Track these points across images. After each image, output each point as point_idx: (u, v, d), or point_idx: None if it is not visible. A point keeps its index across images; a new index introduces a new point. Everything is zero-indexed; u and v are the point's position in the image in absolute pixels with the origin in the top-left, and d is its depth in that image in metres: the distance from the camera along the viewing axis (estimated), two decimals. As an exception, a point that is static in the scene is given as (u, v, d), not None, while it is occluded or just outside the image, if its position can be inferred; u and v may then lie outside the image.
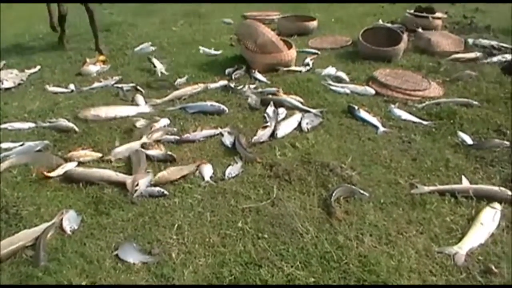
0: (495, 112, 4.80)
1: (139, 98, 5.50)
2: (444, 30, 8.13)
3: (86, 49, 7.92)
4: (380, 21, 9.03)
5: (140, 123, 4.73)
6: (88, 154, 4.20)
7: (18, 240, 3.16)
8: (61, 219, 3.36)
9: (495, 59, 6.51)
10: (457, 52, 6.75)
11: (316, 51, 7.28)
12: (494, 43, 7.22)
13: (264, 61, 6.30)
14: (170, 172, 3.88)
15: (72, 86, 6.12)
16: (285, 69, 6.28)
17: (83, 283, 2.81)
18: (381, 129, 4.54)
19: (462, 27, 8.66)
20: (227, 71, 6.28)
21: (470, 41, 7.29)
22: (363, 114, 4.76)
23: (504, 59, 6.47)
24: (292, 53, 6.41)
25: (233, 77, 6.13)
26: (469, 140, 4.25)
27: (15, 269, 2.96)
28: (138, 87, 5.92)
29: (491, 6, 10.03)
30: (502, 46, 7.09)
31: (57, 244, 3.15)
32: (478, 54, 6.67)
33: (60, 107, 5.43)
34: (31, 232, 3.24)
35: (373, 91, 5.45)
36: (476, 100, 5.06)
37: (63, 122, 4.88)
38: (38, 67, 7.05)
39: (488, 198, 3.43)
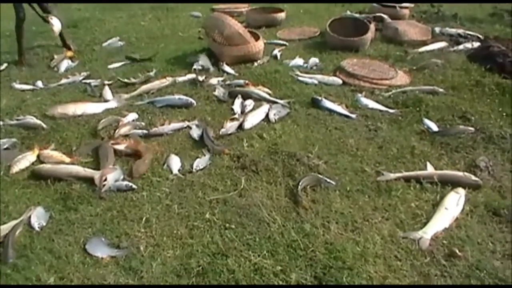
0: (460, 99, 4.86)
1: (107, 92, 5.48)
2: (411, 19, 8.18)
3: (54, 46, 7.83)
4: (348, 12, 9.06)
5: (103, 124, 4.68)
6: (56, 156, 4.15)
7: (-14, 238, 3.14)
8: (29, 216, 3.35)
9: (461, 47, 6.56)
10: (425, 41, 6.81)
11: (284, 42, 7.29)
12: (460, 31, 7.28)
13: (231, 53, 6.29)
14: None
15: (39, 83, 6.06)
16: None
17: (52, 279, 2.80)
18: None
19: (430, 16, 8.71)
20: (194, 66, 6.24)
21: (437, 29, 7.34)
22: (328, 104, 4.79)
23: (470, 47, 6.53)
24: (259, 45, 6.40)
25: (196, 69, 6.15)
26: (434, 127, 4.31)
27: (-16, 267, 2.95)
28: (105, 82, 5.89)
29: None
30: (469, 34, 7.14)
31: (25, 241, 3.15)
32: (444, 44, 6.74)
33: (27, 104, 5.38)
34: (-1, 229, 3.22)
35: (340, 81, 5.48)
36: (442, 87, 5.12)
37: (31, 120, 4.83)
38: (5, 64, 6.96)
39: (453, 184, 3.49)
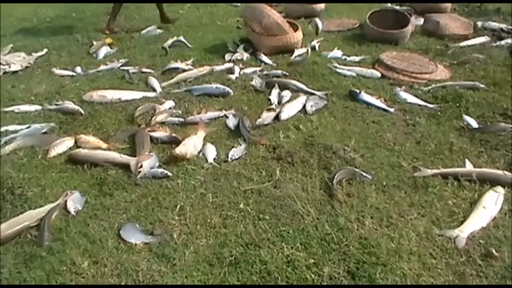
0: (501, 95, 4.76)
1: (153, 81, 5.50)
2: (453, 13, 8.05)
3: (93, 32, 7.90)
4: (388, 4, 8.95)
5: (141, 111, 4.71)
6: (93, 142, 4.19)
7: (23, 220, 3.20)
8: (66, 200, 3.39)
9: (503, 42, 6.43)
10: (466, 36, 6.69)
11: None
12: (503, 26, 7.14)
13: (269, 44, 6.28)
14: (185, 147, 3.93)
15: (78, 69, 6.14)
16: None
17: (86, 263, 2.83)
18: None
19: (472, 10, 8.54)
20: (226, 56, 6.29)
21: (479, 24, 7.21)
22: (366, 97, 4.74)
23: (513, 42, 6.41)
24: (298, 36, 6.37)
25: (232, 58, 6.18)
26: (474, 124, 4.22)
27: (20, 249, 3.01)
28: (148, 70, 5.96)
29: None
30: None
31: (61, 225, 3.19)
32: (487, 39, 6.60)
33: (66, 90, 5.45)
34: (35, 212, 3.28)
35: (379, 74, 5.42)
36: (483, 83, 5.01)
37: (69, 105, 4.90)
38: (45, 50, 7.07)
39: (492, 182, 3.42)
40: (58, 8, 9.99)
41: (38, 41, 7.66)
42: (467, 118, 4.29)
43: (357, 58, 6.00)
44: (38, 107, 4.97)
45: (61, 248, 2.96)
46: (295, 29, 6.47)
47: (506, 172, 3.52)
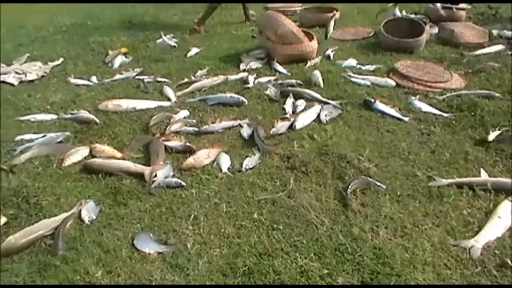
0: (517, 104, 4.74)
1: (168, 91, 5.53)
2: (468, 21, 8.02)
3: (109, 41, 7.96)
4: (397, 10, 8.92)
5: (155, 120, 4.74)
6: (108, 151, 4.22)
7: (37, 229, 3.23)
8: (80, 209, 3.42)
9: (519, 50, 6.41)
10: (481, 44, 6.66)
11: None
12: (519, 34, 7.12)
13: (285, 52, 6.28)
14: (197, 158, 3.95)
15: (94, 78, 6.19)
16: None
17: (99, 272, 2.85)
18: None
19: (487, 18, 8.51)
20: (241, 66, 6.30)
21: (495, 32, 7.18)
22: (380, 106, 4.73)
23: (529, 51, 6.38)
24: (313, 45, 6.38)
25: (247, 68, 6.20)
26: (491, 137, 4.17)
27: (34, 258, 3.03)
28: (163, 79, 5.98)
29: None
30: (527, 38, 6.98)
31: (75, 234, 3.22)
32: (502, 47, 6.57)
33: (81, 99, 5.50)
34: (50, 221, 3.30)
35: (393, 83, 5.40)
36: (499, 92, 4.97)
37: (84, 114, 4.94)
38: (61, 59, 7.14)
39: (507, 192, 3.39)
40: (74, 16, 10.10)
41: (54, 50, 7.74)
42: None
43: (371, 67, 5.98)
44: (54, 116, 5.02)
45: (75, 257, 2.98)
46: (310, 38, 6.47)
47: (522, 182, 3.49)
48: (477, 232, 3.03)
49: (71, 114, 4.99)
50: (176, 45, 7.62)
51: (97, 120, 4.79)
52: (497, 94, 4.91)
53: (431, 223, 3.13)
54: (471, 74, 5.61)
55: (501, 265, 2.78)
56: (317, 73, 5.58)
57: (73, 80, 6.15)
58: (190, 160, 3.90)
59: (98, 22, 9.38)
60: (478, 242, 2.93)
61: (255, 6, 9.88)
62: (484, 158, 3.88)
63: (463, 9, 8.06)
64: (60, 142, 4.48)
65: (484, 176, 3.60)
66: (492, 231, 3.02)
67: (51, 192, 3.66)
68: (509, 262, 2.76)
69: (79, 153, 4.17)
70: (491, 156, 3.91)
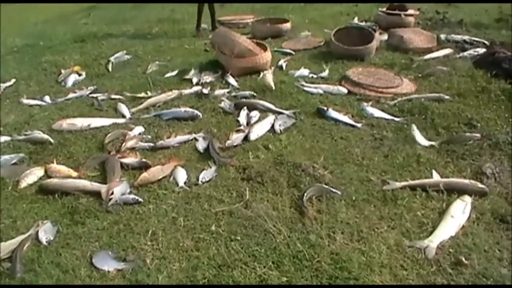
0: (466, 105, 4.86)
1: (122, 107, 5.50)
2: (417, 26, 8.19)
3: (61, 60, 7.88)
4: (355, 20, 9.09)
5: (110, 137, 4.70)
6: (63, 171, 4.17)
7: (-5, 253, 3.17)
8: (37, 231, 3.36)
9: (467, 53, 6.57)
10: (430, 49, 6.81)
11: (291, 51, 7.33)
12: (466, 37, 7.30)
13: (239, 65, 6.32)
14: (151, 173, 3.93)
15: (47, 98, 6.10)
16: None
17: (58, 293, 2.82)
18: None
19: (435, 23, 8.73)
20: (194, 80, 6.31)
21: (443, 36, 7.37)
22: (333, 114, 4.80)
23: (476, 53, 6.53)
24: (267, 56, 6.44)
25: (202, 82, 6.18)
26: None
27: (-9, 282, 2.98)
28: (117, 96, 5.93)
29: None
30: (475, 41, 7.17)
31: (33, 256, 3.16)
32: (450, 51, 6.74)
33: (35, 120, 5.42)
34: (7, 244, 3.25)
35: (345, 90, 5.49)
36: (448, 94, 5.11)
37: (38, 134, 4.87)
38: (13, 80, 7.02)
39: (459, 191, 3.48)
40: (26, 37, 9.98)
41: (6, 71, 7.61)
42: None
43: (324, 75, 6.07)
44: (7, 138, 4.92)
45: (34, 279, 2.94)
46: (264, 49, 6.54)
47: (473, 181, 3.59)
48: (431, 232, 3.10)
49: (25, 135, 4.91)
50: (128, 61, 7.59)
51: (52, 140, 4.72)
52: (447, 97, 5.05)
53: (386, 226, 3.19)
54: (421, 79, 5.75)
55: (456, 263, 2.84)
56: (268, 76, 5.63)
57: (26, 101, 6.05)
58: (145, 175, 3.90)
59: (50, 42, 9.29)
60: (433, 242, 2.99)
61: (207, 18, 9.93)
62: (436, 159, 3.97)
63: (411, 15, 8.23)
64: (15, 164, 4.41)
65: (436, 177, 3.69)
66: (446, 230, 3.09)
67: (7, 215, 3.61)
68: (464, 259, 2.83)
69: (34, 174, 4.11)
70: (442, 157, 4.00)
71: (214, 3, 9.17)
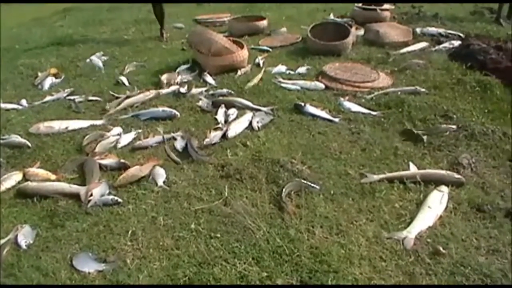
0: (442, 97, 4.93)
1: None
2: (392, 21, 8.24)
3: (38, 63, 7.82)
4: (331, 16, 9.12)
5: (89, 139, 4.66)
6: (41, 174, 4.13)
7: (-26, 259, 3.14)
8: (16, 235, 3.33)
9: (442, 46, 6.64)
10: (406, 43, 6.87)
11: (268, 48, 7.35)
12: (441, 30, 7.38)
13: (216, 63, 6.31)
14: (130, 174, 3.91)
15: (24, 102, 6.03)
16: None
17: (38, 297, 2.81)
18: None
19: (410, 17, 8.81)
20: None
21: (418, 30, 7.43)
22: (311, 109, 4.82)
23: (451, 46, 6.60)
24: (244, 54, 6.44)
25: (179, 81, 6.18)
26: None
27: (-28, 287, 2.95)
28: (95, 98, 5.90)
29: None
30: (450, 33, 7.25)
31: (13, 260, 3.14)
32: (426, 44, 6.81)
33: (12, 124, 5.35)
34: (-14, 250, 3.22)
35: (323, 86, 5.51)
36: (424, 87, 5.19)
37: (16, 138, 4.81)
38: (-11, 84, 6.94)
39: (436, 182, 3.53)
40: (1, 40, 9.87)
41: (-20, 76, 7.54)
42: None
43: (301, 71, 6.10)
44: (-16, 143, 4.88)
45: (14, 283, 2.93)
46: (241, 46, 6.55)
47: (449, 172, 3.65)
48: (409, 224, 3.14)
49: (2, 139, 4.85)
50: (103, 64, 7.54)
51: (29, 144, 4.67)
52: (423, 90, 5.12)
53: (365, 218, 3.22)
54: (397, 72, 5.81)
55: (434, 253, 2.88)
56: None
57: (2, 105, 5.97)
58: (124, 176, 3.89)
59: (26, 45, 9.20)
60: (411, 233, 3.03)
61: (183, 17, 9.92)
62: (413, 151, 4.02)
63: (387, 9, 8.28)
64: (-8, 168, 4.37)
65: (413, 169, 3.74)
66: (423, 221, 3.14)
67: (-15, 220, 3.58)
68: (441, 249, 2.87)
69: (12, 179, 4.07)
70: (419, 149, 4.06)
71: (163, 2, 8.90)
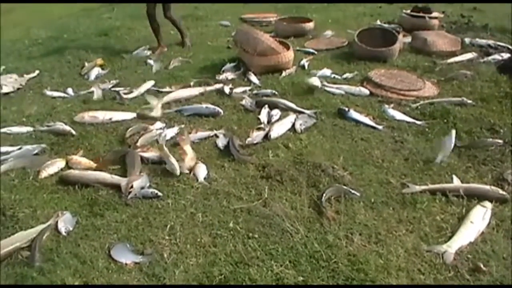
0: (489, 111, 4.82)
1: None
2: (441, 29, 8.12)
3: (85, 53, 7.92)
4: (379, 22, 9.05)
5: (132, 131, 4.72)
6: (84, 163, 4.20)
7: (14, 241, 3.20)
8: (57, 221, 3.40)
9: (491, 58, 6.50)
10: (454, 52, 6.76)
11: (313, 50, 7.31)
12: (491, 42, 7.23)
13: (261, 63, 6.31)
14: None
15: (70, 90, 6.14)
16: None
17: (76, 283, 2.85)
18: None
19: (459, 27, 8.63)
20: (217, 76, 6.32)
21: (467, 40, 7.28)
22: (354, 115, 4.78)
23: (500, 58, 6.47)
24: (289, 55, 6.42)
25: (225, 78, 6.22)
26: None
27: (11, 270, 3.01)
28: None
29: (488, 5, 10.02)
30: (499, 45, 7.10)
31: (52, 245, 3.20)
32: (474, 55, 6.67)
33: (57, 111, 5.45)
34: (27, 233, 3.28)
35: (367, 92, 5.46)
36: (471, 99, 5.07)
37: (60, 126, 4.91)
38: (37, 71, 7.06)
39: (479, 197, 3.45)
40: (50, 30, 10.04)
41: (30, 62, 7.68)
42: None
43: (346, 76, 6.05)
44: (30, 129, 4.97)
45: (52, 268, 2.97)
46: (287, 48, 6.52)
47: (494, 187, 3.55)
48: (450, 238, 3.08)
49: (47, 126, 4.95)
50: (151, 57, 7.61)
51: (73, 132, 4.76)
52: (469, 101, 5.00)
53: (404, 229, 3.18)
54: (443, 82, 5.69)
55: (474, 269, 2.82)
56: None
57: (49, 92, 6.10)
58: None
59: (74, 35, 9.33)
60: (451, 247, 2.97)
61: (230, 15, 9.92)
62: (457, 164, 3.94)
63: (435, 17, 8.17)
64: (36, 154, 4.45)
65: (456, 182, 3.66)
66: (464, 236, 3.07)
67: (28, 204, 3.64)
68: (482, 266, 2.81)
69: (55, 165, 4.15)
70: (463, 162, 3.97)
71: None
